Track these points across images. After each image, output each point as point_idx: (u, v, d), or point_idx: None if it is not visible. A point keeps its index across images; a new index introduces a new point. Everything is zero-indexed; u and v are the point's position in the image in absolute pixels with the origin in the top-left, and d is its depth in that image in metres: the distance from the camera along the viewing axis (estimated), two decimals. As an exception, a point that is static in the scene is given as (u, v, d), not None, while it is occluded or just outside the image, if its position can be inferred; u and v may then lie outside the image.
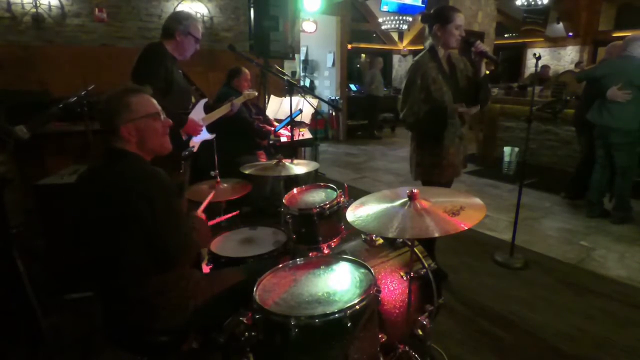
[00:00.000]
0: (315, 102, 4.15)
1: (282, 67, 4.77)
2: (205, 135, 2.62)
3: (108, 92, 1.38)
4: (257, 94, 3.27)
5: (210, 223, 1.79)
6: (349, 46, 8.96)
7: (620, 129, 3.43)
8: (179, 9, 4.50)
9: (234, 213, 2.02)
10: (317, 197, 2.21)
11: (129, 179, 1.26)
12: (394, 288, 1.66)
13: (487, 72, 2.34)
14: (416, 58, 2.33)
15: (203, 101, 2.62)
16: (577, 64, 8.86)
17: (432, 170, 2.38)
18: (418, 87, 2.23)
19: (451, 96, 2.30)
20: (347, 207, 1.53)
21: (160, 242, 1.27)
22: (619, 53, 3.67)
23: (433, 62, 2.27)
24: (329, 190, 2.29)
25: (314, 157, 4.31)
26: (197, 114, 2.57)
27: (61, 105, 2.75)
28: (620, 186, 3.62)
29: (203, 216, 1.62)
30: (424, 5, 7.48)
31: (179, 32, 2.32)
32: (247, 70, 3.63)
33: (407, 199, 1.41)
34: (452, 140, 2.36)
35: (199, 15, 4.72)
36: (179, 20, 2.33)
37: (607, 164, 3.68)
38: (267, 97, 4.64)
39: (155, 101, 1.42)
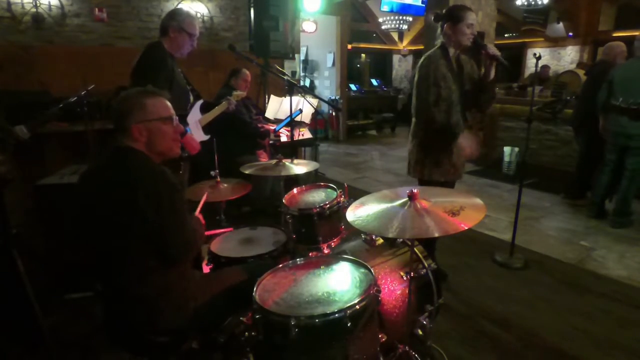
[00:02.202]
0: (315, 102, 4.15)
1: (282, 67, 4.77)
2: (201, 136, 2.62)
3: (124, 92, 1.39)
4: (245, 94, 3.28)
5: (208, 233, 1.80)
6: (349, 46, 8.96)
7: None
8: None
9: (204, 198, 1.92)
10: (317, 197, 2.21)
11: (135, 176, 1.27)
12: (394, 288, 1.66)
13: None
14: (427, 53, 2.31)
15: (200, 102, 2.62)
16: (579, 64, 8.84)
17: (432, 169, 2.38)
18: (431, 82, 2.22)
19: (458, 96, 2.30)
20: (347, 207, 1.53)
21: (164, 240, 1.28)
22: (618, 55, 3.67)
23: (444, 60, 2.27)
24: (329, 190, 2.29)
25: (314, 157, 4.31)
26: (194, 115, 2.58)
27: (61, 105, 2.75)
28: (626, 188, 3.58)
29: (200, 217, 1.63)
30: (424, 5, 7.47)
31: (172, 28, 2.32)
32: (247, 71, 3.63)
33: (407, 199, 1.41)
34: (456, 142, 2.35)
35: (199, 15, 4.71)
36: (172, 17, 2.34)
37: (616, 168, 3.64)
38: (267, 97, 4.64)
39: (170, 105, 1.43)
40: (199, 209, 1.73)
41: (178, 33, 2.33)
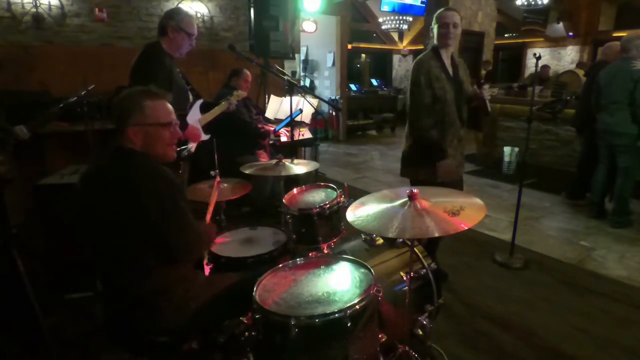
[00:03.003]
0: (315, 102, 4.15)
1: (282, 67, 4.77)
2: (201, 136, 2.62)
3: (126, 91, 1.38)
4: (245, 94, 3.29)
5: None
6: (349, 46, 8.96)
7: (624, 132, 3.44)
8: (178, 9, 4.49)
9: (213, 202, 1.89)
10: (317, 197, 2.21)
11: (136, 176, 1.27)
12: (394, 288, 1.66)
13: (485, 71, 2.38)
14: (419, 57, 2.36)
15: (199, 102, 2.62)
16: (579, 64, 8.84)
17: (427, 170, 2.38)
18: (423, 87, 2.27)
19: (453, 95, 2.31)
20: (347, 207, 1.53)
21: (166, 239, 1.28)
22: (616, 55, 3.68)
23: (436, 61, 2.31)
24: (329, 190, 2.29)
25: (314, 157, 4.31)
26: (194, 114, 2.58)
27: (61, 105, 2.75)
28: (621, 187, 3.61)
29: (212, 224, 1.63)
30: (423, 5, 7.48)
31: (170, 28, 2.31)
32: (248, 72, 3.62)
33: (407, 199, 1.41)
34: (451, 142, 2.36)
35: (199, 15, 4.71)
36: (171, 16, 2.33)
37: (610, 165, 3.68)
38: (267, 97, 4.64)
39: (171, 109, 1.42)
40: (209, 215, 1.72)
41: (177, 33, 2.32)
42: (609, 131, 3.56)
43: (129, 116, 1.32)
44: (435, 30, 2.32)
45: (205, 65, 4.68)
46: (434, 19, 2.32)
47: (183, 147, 2.44)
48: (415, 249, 1.68)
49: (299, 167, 2.25)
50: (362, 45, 11.65)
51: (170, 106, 1.42)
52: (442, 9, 2.33)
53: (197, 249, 1.43)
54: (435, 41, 2.34)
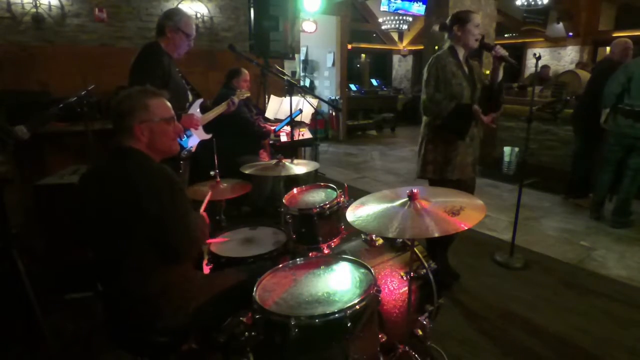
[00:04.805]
0: (315, 102, 4.15)
1: (282, 67, 4.77)
2: (202, 135, 2.62)
3: (124, 92, 1.39)
4: (249, 93, 3.29)
5: (210, 241, 1.82)
6: (349, 46, 8.96)
7: None
8: (178, 9, 4.49)
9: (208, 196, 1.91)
10: (317, 197, 2.21)
11: (135, 175, 1.27)
12: (394, 288, 1.66)
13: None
14: (436, 53, 2.36)
15: (199, 101, 2.63)
16: (579, 64, 8.83)
17: (444, 167, 2.37)
18: (440, 81, 2.27)
19: (470, 93, 2.32)
20: (347, 207, 1.53)
21: (167, 238, 1.28)
22: (623, 53, 3.67)
23: (453, 59, 2.31)
24: (329, 190, 2.29)
25: (314, 157, 4.31)
26: (194, 113, 2.58)
27: (61, 105, 2.75)
28: (628, 188, 3.57)
29: (205, 215, 1.63)
30: (424, 5, 7.48)
31: (169, 28, 2.32)
32: (246, 71, 3.63)
33: (407, 199, 1.41)
34: (464, 139, 2.36)
35: (198, 15, 4.71)
36: (169, 17, 2.34)
37: (618, 168, 3.63)
38: (267, 97, 4.64)
39: (170, 105, 1.45)
40: (203, 207, 1.74)
41: (175, 33, 2.33)
42: (633, 135, 3.40)
43: (133, 115, 1.33)
44: (461, 30, 2.28)
45: (205, 65, 4.67)
46: (462, 18, 2.29)
47: (184, 149, 2.45)
48: (415, 249, 1.69)
49: (299, 167, 2.25)
50: (362, 45, 11.66)
51: (169, 103, 1.44)
52: (468, 10, 2.33)
53: (195, 246, 1.43)
54: (452, 41, 2.33)
